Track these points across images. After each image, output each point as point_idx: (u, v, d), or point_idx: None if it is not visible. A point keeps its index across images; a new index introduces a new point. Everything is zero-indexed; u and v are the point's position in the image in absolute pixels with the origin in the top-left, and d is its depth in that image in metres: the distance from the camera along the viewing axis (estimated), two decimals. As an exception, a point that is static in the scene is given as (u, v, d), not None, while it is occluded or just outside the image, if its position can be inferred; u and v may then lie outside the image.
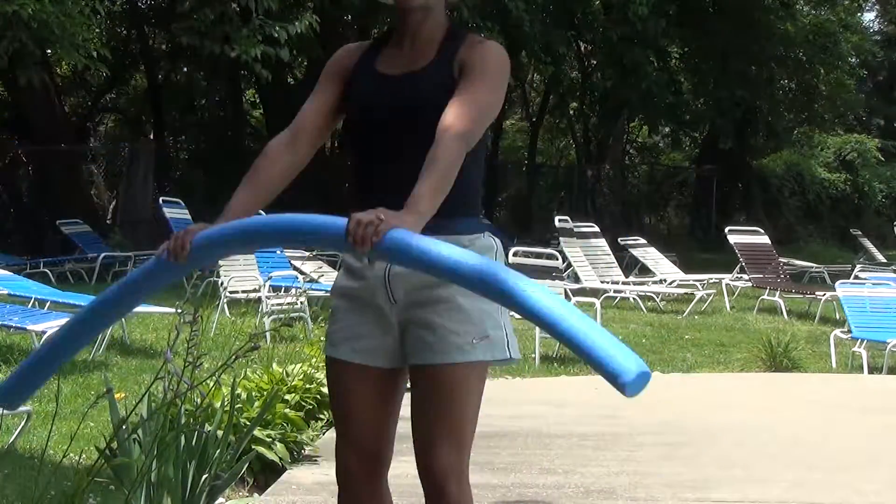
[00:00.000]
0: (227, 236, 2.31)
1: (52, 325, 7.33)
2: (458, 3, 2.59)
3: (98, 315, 2.61)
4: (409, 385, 2.53)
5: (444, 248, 2.08)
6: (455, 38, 2.46)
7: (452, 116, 2.29)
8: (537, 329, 8.68)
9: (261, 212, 2.48)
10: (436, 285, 2.37)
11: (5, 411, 4.78)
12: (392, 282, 2.40)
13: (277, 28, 12.98)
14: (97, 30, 15.44)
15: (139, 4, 21.28)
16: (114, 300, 2.55)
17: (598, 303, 9.74)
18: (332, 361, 2.53)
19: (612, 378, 1.98)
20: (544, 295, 2.03)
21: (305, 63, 20.11)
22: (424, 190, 2.18)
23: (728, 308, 12.91)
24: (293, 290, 9.64)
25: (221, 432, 3.86)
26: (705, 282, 13.98)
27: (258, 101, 23.82)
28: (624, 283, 13.65)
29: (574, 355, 8.21)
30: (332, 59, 2.58)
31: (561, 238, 13.97)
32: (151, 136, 22.16)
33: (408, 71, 2.44)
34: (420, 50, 2.46)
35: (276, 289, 9.90)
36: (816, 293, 12.53)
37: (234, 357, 3.35)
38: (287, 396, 5.11)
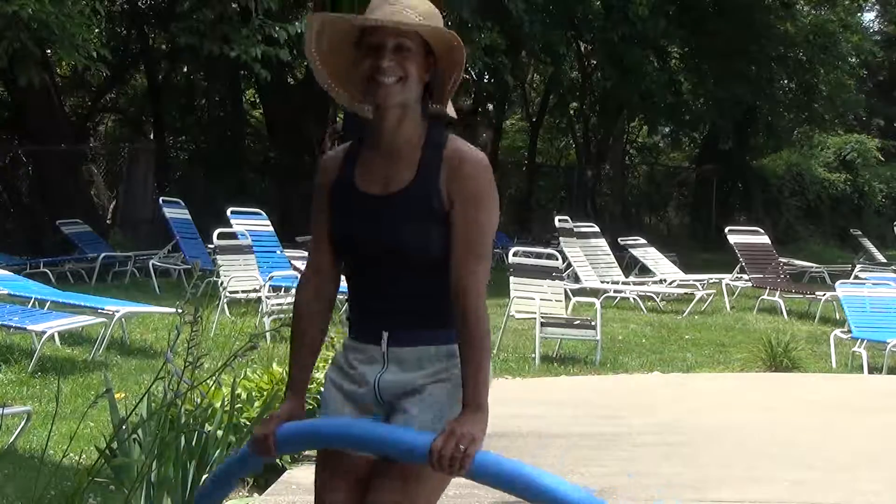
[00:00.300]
0: (313, 436, 2.49)
1: (52, 325, 7.34)
2: (441, 114, 2.52)
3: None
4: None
5: (534, 473, 2.26)
6: (434, 148, 2.39)
7: (466, 278, 2.32)
8: (537, 329, 8.69)
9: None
10: (417, 388, 2.41)
11: (5, 411, 4.78)
12: (381, 387, 2.43)
13: (277, 28, 12.98)
14: (97, 30, 15.44)
15: (139, 4, 21.28)
16: (209, 495, 2.77)
17: (598, 303, 9.74)
18: (323, 451, 2.55)
19: None
20: None
21: (305, 63, 20.10)
22: (476, 380, 2.31)
23: (728, 308, 12.91)
24: (293, 291, 9.64)
25: (221, 432, 3.86)
26: (705, 282, 13.99)
27: (258, 101, 23.81)
28: (624, 283, 13.65)
29: (574, 355, 8.14)
30: (319, 175, 2.54)
31: (561, 238, 13.98)
32: (151, 136, 22.16)
33: (388, 192, 2.39)
34: (399, 158, 2.39)
35: (276, 289, 9.90)
36: (816, 293, 12.53)
37: (233, 357, 3.35)
38: (287, 396, 5.10)
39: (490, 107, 25.52)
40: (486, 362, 2.33)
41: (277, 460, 4.67)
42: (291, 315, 2.56)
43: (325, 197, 2.49)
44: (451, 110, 2.46)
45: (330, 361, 2.61)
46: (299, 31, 13.14)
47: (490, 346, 2.37)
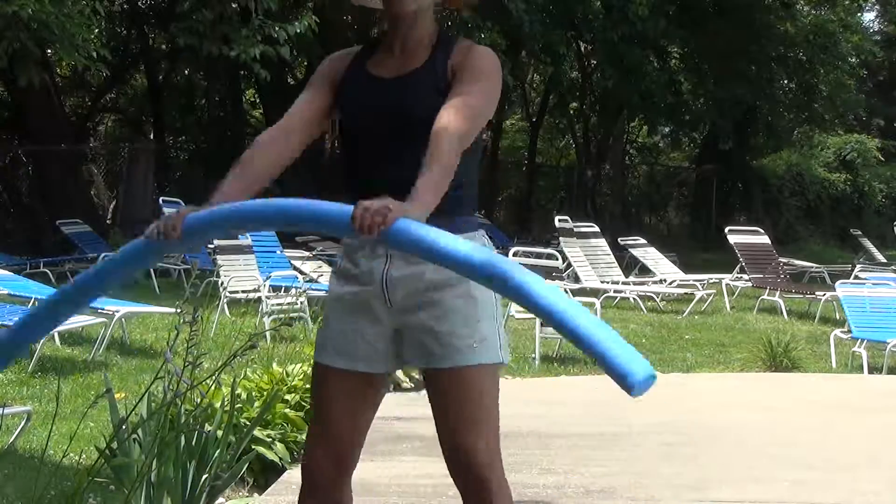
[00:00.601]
0: (224, 217, 2.31)
1: (52, 325, 7.34)
2: (460, 5, 2.57)
3: (81, 291, 2.57)
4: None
5: (452, 240, 2.11)
6: (446, 43, 2.49)
7: (447, 117, 2.32)
8: (537, 329, 8.68)
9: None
10: (432, 289, 2.40)
11: (5, 411, 4.78)
12: (389, 285, 2.42)
13: (277, 28, 12.97)
14: (96, 30, 15.43)
15: (139, 4, 21.28)
16: (99, 276, 2.54)
17: (598, 303, 9.74)
18: (318, 366, 2.56)
19: (620, 379, 2.01)
20: (551, 292, 2.06)
21: (305, 63, 20.12)
22: (426, 184, 2.21)
23: (728, 308, 12.91)
24: (293, 290, 9.64)
25: (221, 432, 3.86)
26: (705, 282, 13.99)
27: (258, 101, 23.82)
28: (624, 283, 13.65)
29: (574, 355, 8.14)
30: (322, 63, 2.60)
31: (561, 238, 13.98)
32: (151, 136, 22.16)
33: (399, 74, 2.47)
34: (411, 54, 2.48)
35: (276, 289, 9.90)
36: (816, 293, 12.53)
37: (233, 357, 3.35)
38: (287, 396, 5.10)
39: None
40: (442, 180, 2.24)
41: (275, 456, 4.67)
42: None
43: (327, 76, 2.54)
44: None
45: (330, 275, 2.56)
46: (298, 30, 13.14)
47: (451, 175, 2.26)
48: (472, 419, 2.42)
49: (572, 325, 2.03)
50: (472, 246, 2.13)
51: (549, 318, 2.06)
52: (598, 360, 2.03)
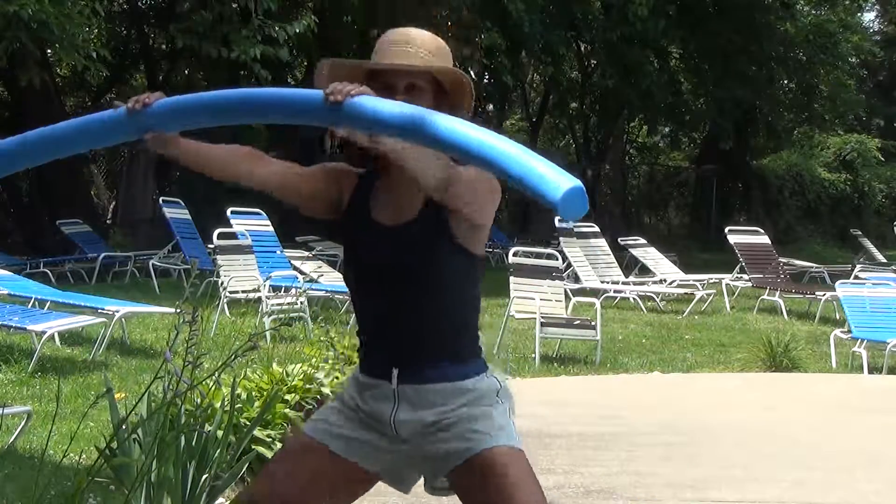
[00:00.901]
0: (197, 104, 2.24)
1: (52, 325, 7.35)
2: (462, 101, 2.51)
3: (37, 147, 2.43)
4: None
5: (391, 106, 2.07)
6: None
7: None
8: (537, 329, 8.68)
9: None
10: (429, 420, 2.37)
11: (5, 411, 4.78)
12: (397, 426, 2.40)
13: (277, 28, 12.97)
14: (96, 30, 15.43)
15: (139, 4, 21.27)
16: (57, 136, 2.40)
17: (598, 303, 9.74)
18: (306, 436, 2.48)
19: (546, 198, 1.89)
20: (474, 129, 1.99)
21: (305, 63, 20.12)
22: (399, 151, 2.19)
23: (728, 308, 12.91)
24: (293, 290, 9.65)
25: (221, 432, 3.85)
26: (705, 282, 13.98)
27: (258, 101, 23.81)
28: (624, 283, 13.64)
29: (574, 355, 8.15)
30: (335, 167, 2.52)
31: (561, 238, 13.97)
32: (151, 137, 22.13)
33: (399, 221, 2.41)
34: (408, 190, 2.39)
35: (276, 289, 9.90)
36: (816, 293, 12.53)
37: (233, 357, 3.34)
38: (287, 396, 5.10)
39: (490, 107, 25.53)
40: (413, 157, 2.20)
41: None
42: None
43: (333, 177, 2.47)
44: None
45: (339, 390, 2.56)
46: (298, 30, 13.14)
47: (423, 168, 2.23)
48: (512, 498, 2.31)
49: (492, 154, 1.95)
50: (398, 106, 2.07)
51: (472, 156, 1.98)
52: (521, 185, 1.92)
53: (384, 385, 2.41)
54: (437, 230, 2.38)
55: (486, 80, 20.92)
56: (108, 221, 18.44)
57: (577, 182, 1.88)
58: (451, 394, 2.38)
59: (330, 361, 5.42)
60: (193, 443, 3.74)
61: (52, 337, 7.50)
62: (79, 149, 2.49)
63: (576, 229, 14.37)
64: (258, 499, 2.45)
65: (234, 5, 13.38)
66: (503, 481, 2.31)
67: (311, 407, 5.28)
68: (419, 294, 2.37)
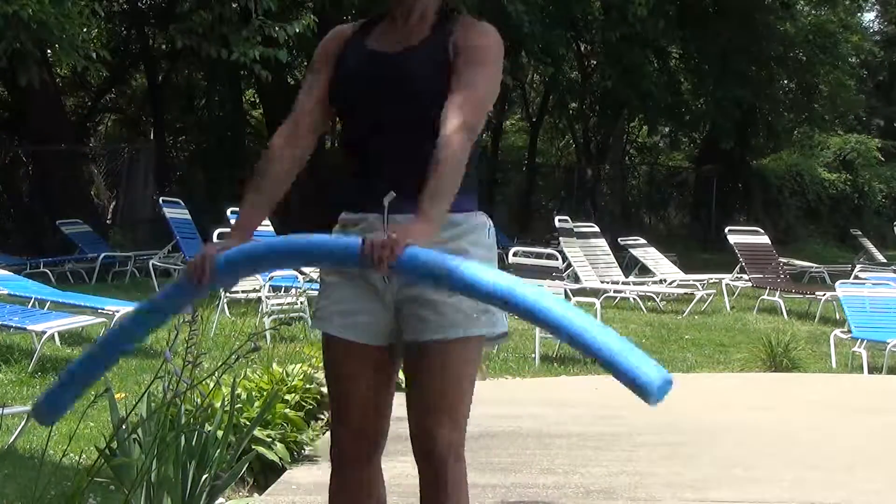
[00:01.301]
0: (247, 257, 2.37)
1: (52, 325, 7.34)
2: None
3: (125, 333, 2.68)
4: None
5: (459, 266, 2.15)
6: (449, 18, 2.48)
7: (455, 110, 2.31)
8: (537, 329, 8.68)
9: (270, 226, 2.56)
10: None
11: (5, 411, 4.78)
12: None
13: (277, 28, 12.96)
14: (95, 30, 15.43)
15: (139, 4, 21.27)
16: (138, 319, 2.63)
17: (598, 303, 9.74)
18: (329, 339, 2.50)
19: (640, 390, 2.04)
20: (567, 309, 2.10)
21: (305, 63, 20.11)
22: (434, 194, 2.23)
23: (728, 308, 12.91)
24: (293, 290, 9.65)
25: (221, 432, 3.85)
26: (705, 282, 13.98)
27: (258, 101, 23.82)
28: (624, 283, 13.64)
29: (574, 355, 8.13)
30: (322, 42, 2.58)
31: (561, 238, 13.97)
32: (151, 136, 22.15)
33: (400, 49, 2.44)
34: (413, 27, 2.46)
35: (276, 289, 9.90)
36: (816, 293, 12.53)
37: (233, 357, 3.35)
38: (287, 396, 5.10)
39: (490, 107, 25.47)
40: (451, 184, 2.26)
41: (275, 456, 4.67)
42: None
43: (328, 55, 2.52)
44: None
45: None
46: (298, 30, 13.13)
47: (457, 172, 2.27)
48: (452, 398, 2.40)
49: (586, 338, 2.07)
50: (478, 270, 2.16)
51: (567, 336, 2.10)
52: (614, 372, 2.05)
53: (371, 217, 2.40)
54: (442, 57, 2.40)
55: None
56: (108, 221, 18.42)
57: (667, 375, 2.06)
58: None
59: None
60: (193, 443, 3.74)
61: (52, 337, 7.50)
62: (162, 323, 2.72)
63: (576, 229, 14.38)
64: (340, 422, 2.50)
65: (235, 5, 13.37)
66: (451, 384, 2.38)
67: (311, 407, 5.29)
68: (413, 115, 2.36)
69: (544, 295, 2.11)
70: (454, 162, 2.26)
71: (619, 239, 16.04)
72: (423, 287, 2.36)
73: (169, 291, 2.54)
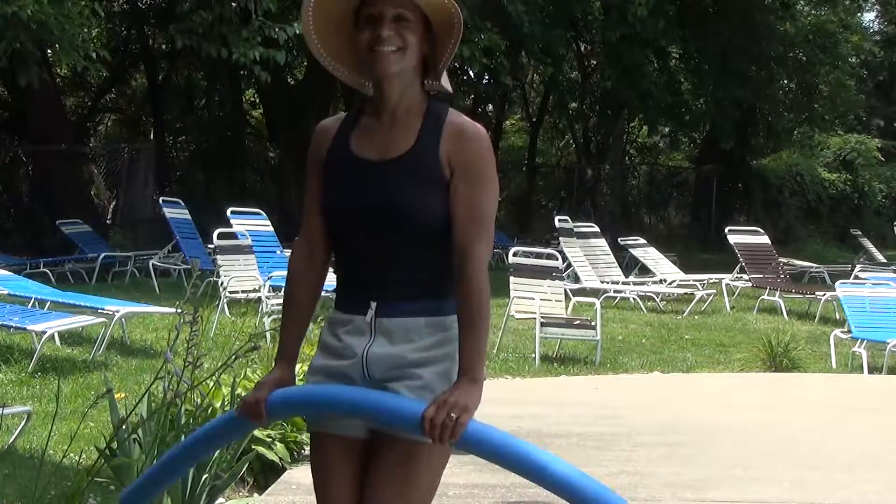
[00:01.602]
0: (304, 402, 2.46)
1: (52, 325, 7.34)
2: (439, 90, 2.54)
3: (175, 463, 2.75)
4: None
5: (526, 448, 2.34)
6: (435, 118, 2.39)
7: (472, 241, 2.33)
8: (537, 329, 8.69)
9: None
10: (414, 365, 2.36)
11: (5, 411, 4.78)
12: (369, 361, 2.38)
13: (276, 29, 12.95)
14: (95, 31, 15.42)
15: (139, 4, 21.27)
16: (190, 449, 2.72)
17: (598, 303, 9.74)
18: (316, 436, 2.49)
19: None
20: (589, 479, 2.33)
21: (305, 63, 20.12)
22: (476, 351, 2.31)
23: (728, 308, 12.91)
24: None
25: (221, 432, 3.85)
26: (705, 282, 13.98)
27: (258, 101, 23.83)
28: (624, 283, 13.65)
29: (574, 355, 8.12)
30: (312, 143, 2.51)
31: (561, 238, 13.97)
32: (151, 136, 22.16)
33: (384, 157, 2.38)
34: (398, 126, 2.39)
35: (276, 289, 9.89)
36: (816, 293, 12.53)
37: (234, 357, 3.35)
38: (287, 396, 5.10)
39: (490, 107, 25.53)
40: (484, 333, 2.33)
41: (275, 456, 4.67)
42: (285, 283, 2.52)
43: (317, 165, 2.47)
44: (445, 83, 2.47)
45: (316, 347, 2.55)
46: (297, 31, 13.12)
47: (489, 317, 2.35)
48: (406, 494, 2.37)
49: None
50: (544, 454, 2.38)
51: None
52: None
53: (359, 320, 2.39)
54: (429, 166, 2.36)
55: (485, 81, 20.92)
56: (108, 221, 18.42)
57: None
58: (425, 329, 2.36)
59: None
60: (193, 443, 3.73)
61: (52, 337, 7.50)
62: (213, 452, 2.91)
63: (576, 229, 14.38)
64: None
65: (234, 5, 13.37)
66: (412, 485, 2.36)
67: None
68: (404, 228, 2.34)
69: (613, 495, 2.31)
70: (485, 307, 2.32)
71: (619, 239, 16.04)
72: (395, 385, 2.36)
73: (220, 426, 2.62)
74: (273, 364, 2.50)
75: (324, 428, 2.46)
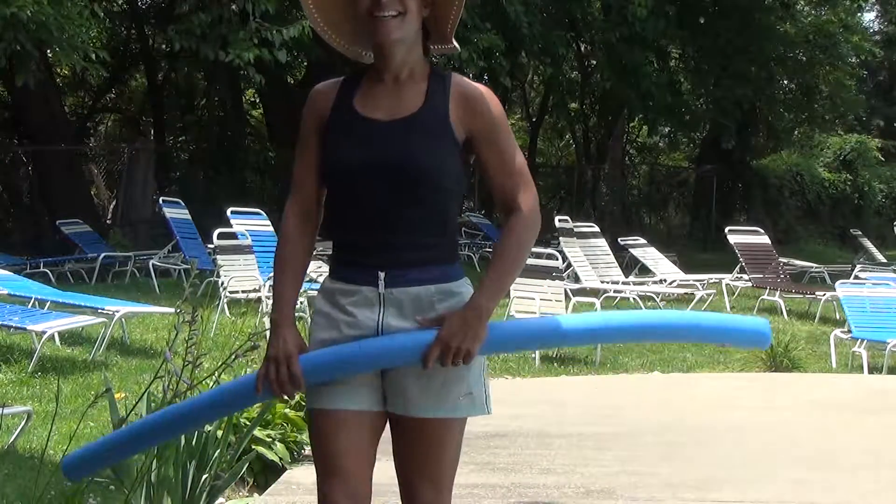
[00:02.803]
0: (336, 361, 2.38)
1: (52, 325, 7.34)
2: (449, 53, 2.55)
3: (183, 418, 2.66)
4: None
5: (522, 327, 2.59)
6: (440, 80, 2.39)
7: (522, 198, 2.38)
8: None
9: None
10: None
11: (5, 410, 4.78)
12: (385, 334, 2.35)
13: (274, 31, 12.94)
14: (94, 31, 15.40)
15: (139, 4, 21.27)
16: (203, 406, 2.63)
17: (598, 303, 9.74)
18: (315, 413, 2.42)
19: (756, 338, 2.48)
20: (629, 313, 2.61)
21: (305, 64, 20.13)
22: (494, 281, 2.34)
23: (728, 308, 12.90)
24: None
25: (221, 432, 3.86)
26: (705, 282, 13.97)
27: (258, 101, 23.83)
28: (624, 283, 13.63)
29: (573, 355, 8.12)
30: (307, 105, 2.47)
31: (561, 238, 13.97)
32: (151, 136, 22.16)
33: (395, 116, 2.36)
34: (404, 88, 2.38)
35: (276, 289, 9.88)
36: (816, 293, 12.53)
37: (233, 357, 3.35)
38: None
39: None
40: (513, 271, 2.38)
41: (275, 456, 4.67)
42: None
43: (316, 126, 2.42)
44: (454, 44, 2.48)
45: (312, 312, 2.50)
46: (294, 34, 13.12)
47: (522, 265, 2.41)
48: (433, 470, 2.41)
49: (675, 324, 2.50)
50: (542, 322, 2.61)
51: (647, 333, 2.66)
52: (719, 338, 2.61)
53: (365, 290, 2.35)
54: (440, 126, 2.35)
55: (484, 81, 20.93)
56: (108, 221, 18.42)
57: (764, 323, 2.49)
58: (436, 295, 2.35)
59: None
60: (193, 443, 3.74)
61: (52, 337, 7.50)
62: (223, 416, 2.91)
63: (576, 229, 14.37)
64: (339, 487, 2.40)
65: (233, 6, 13.36)
66: (439, 457, 2.40)
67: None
68: (420, 185, 2.31)
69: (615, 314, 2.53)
70: (525, 246, 2.36)
71: (619, 239, 16.03)
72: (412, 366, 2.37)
73: (243, 386, 2.51)
74: (275, 333, 2.38)
75: (329, 404, 2.39)
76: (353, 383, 2.39)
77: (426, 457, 2.40)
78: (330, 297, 2.41)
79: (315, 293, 2.59)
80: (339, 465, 2.37)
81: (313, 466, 2.48)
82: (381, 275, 2.34)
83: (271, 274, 10.77)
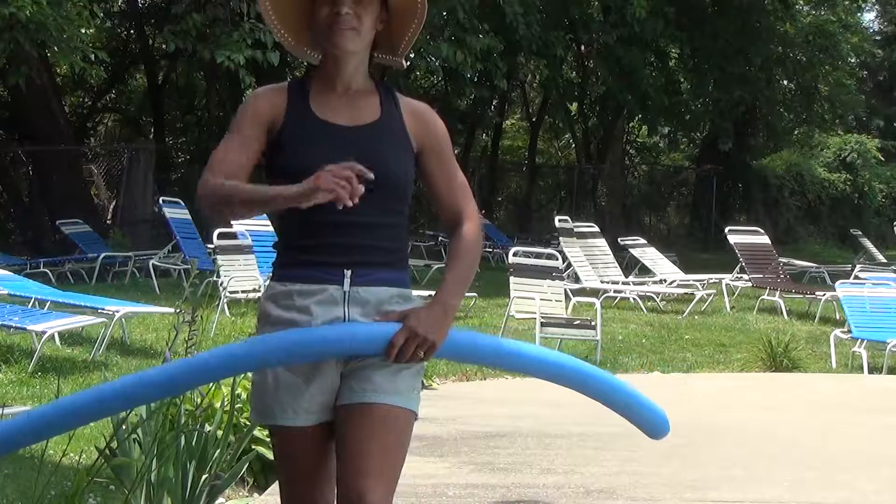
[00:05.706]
0: (300, 342, 2.34)
1: (52, 325, 7.35)
2: (395, 66, 2.60)
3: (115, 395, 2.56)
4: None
5: (486, 340, 2.60)
6: (388, 92, 2.48)
7: (470, 210, 2.48)
8: (537, 329, 8.69)
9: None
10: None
11: (5, 410, 4.78)
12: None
13: (267, 33, 12.94)
14: (92, 31, 15.40)
15: (139, 4, 21.27)
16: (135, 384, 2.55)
17: (598, 303, 9.74)
18: (276, 430, 2.44)
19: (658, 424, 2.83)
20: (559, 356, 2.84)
21: (305, 64, 20.09)
22: (456, 281, 2.40)
23: (728, 308, 12.90)
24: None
25: (221, 432, 3.86)
26: (705, 282, 13.98)
27: (258, 101, 23.83)
28: (624, 283, 13.64)
29: (574, 355, 8.17)
30: (250, 105, 2.45)
31: (561, 238, 13.97)
32: (151, 136, 22.16)
33: (358, 123, 2.41)
34: (358, 97, 2.44)
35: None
36: (816, 293, 12.52)
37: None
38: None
39: (489, 108, 25.52)
40: (471, 268, 2.46)
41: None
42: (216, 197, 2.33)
43: (262, 124, 2.40)
44: (402, 60, 2.56)
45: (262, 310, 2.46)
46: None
47: (477, 260, 2.49)
48: (388, 461, 2.35)
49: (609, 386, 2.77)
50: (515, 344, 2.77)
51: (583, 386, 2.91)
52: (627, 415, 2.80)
53: (331, 289, 2.36)
54: (401, 135, 2.43)
55: (483, 82, 20.91)
56: (108, 221, 18.42)
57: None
58: (397, 298, 2.40)
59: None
60: (193, 443, 3.74)
61: (52, 337, 7.50)
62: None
63: (576, 229, 14.38)
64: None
65: (231, 6, 13.36)
66: (388, 449, 2.36)
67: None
68: (387, 189, 2.35)
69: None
70: (474, 259, 2.45)
71: (619, 239, 16.03)
72: (365, 363, 2.36)
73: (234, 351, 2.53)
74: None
75: (293, 422, 2.39)
76: (311, 396, 2.38)
77: (383, 447, 2.34)
78: (286, 299, 2.40)
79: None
80: (307, 485, 2.51)
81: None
82: (348, 273, 2.37)
83: (271, 274, 10.70)
